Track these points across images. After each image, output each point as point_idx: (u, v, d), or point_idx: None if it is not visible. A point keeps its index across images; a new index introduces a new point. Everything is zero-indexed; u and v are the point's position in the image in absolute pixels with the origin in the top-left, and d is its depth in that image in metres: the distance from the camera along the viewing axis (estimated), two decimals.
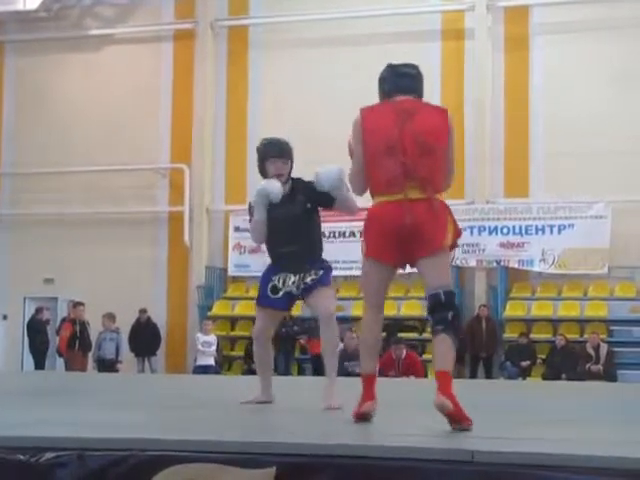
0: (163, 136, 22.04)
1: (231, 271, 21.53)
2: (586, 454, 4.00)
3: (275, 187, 6.70)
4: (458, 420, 5.00)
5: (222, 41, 22.05)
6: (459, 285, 19.90)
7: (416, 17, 20.68)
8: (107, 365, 18.78)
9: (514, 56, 20.14)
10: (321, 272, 6.76)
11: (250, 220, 7.02)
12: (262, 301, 6.92)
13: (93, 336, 19.19)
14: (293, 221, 6.74)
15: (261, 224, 6.88)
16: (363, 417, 5.36)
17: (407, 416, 6.42)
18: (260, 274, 23.18)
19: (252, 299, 22.29)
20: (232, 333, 21.04)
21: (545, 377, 17.69)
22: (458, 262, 19.75)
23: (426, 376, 17.65)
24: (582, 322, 19.21)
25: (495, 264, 19.57)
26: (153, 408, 6.94)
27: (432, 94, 19.98)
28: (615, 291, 19.42)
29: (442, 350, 5.19)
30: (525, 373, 18.12)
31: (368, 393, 5.41)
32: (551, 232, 19.42)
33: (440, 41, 20.59)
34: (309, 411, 6.75)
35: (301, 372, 19.28)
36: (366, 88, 22.69)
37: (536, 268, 19.52)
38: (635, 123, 18.99)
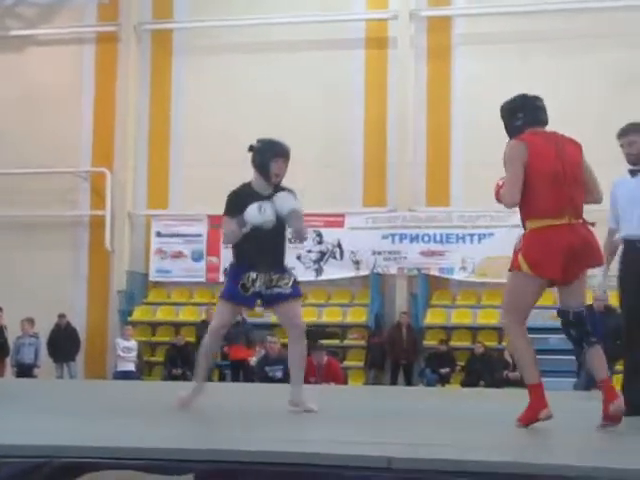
0: (85, 139, 21.81)
1: (152, 276, 21.39)
2: (499, 460, 4.07)
3: (274, 217, 6.90)
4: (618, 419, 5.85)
5: (146, 45, 21.90)
6: (380, 292, 20.03)
7: (340, 25, 20.74)
8: (25, 370, 18.56)
9: (436, 65, 20.32)
10: (292, 280, 7.10)
11: (233, 224, 7.02)
12: (231, 297, 7.09)
13: (11, 341, 18.98)
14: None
15: (240, 235, 7.01)
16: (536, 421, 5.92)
17: (326, 423, 6.45)
18: (180, 279, 22.89)
19: (173, 304, 22.34)
20: (153, 339, 20.89)
21: (464, 384, 17.86)
22: (379, 270, 19.91)
23: (346, 383, 17.74)
24: (501, 330, 19.40)
25: (416, 272, 19.72)
26: (71, 414, 6.87)
27: (355, 102, 20.30)
28: None
29: (601, 359, 5.97)
30: (444, 380, 18.27)
31: (543, 400, 5.97)
32: (471, 241, 19.62)
33: (363, 49, 20.68)
34: (229, 417, 6.75)
35: (222, 378, 19.22)
36: (290, 95, 22.80)
37: (456, 276, 19.70)
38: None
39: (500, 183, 6.18)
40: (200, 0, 21.69)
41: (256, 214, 6.87)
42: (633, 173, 7.57)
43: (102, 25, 22.13)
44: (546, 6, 19.79)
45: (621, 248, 7.69)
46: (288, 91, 20.51)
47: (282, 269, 7.13)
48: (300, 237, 7.24)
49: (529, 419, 5.89)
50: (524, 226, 6.02)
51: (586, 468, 3.91)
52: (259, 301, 7.22)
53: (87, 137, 21.79)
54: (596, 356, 5.94)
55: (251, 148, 7.20)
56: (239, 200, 7.03)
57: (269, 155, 7.10)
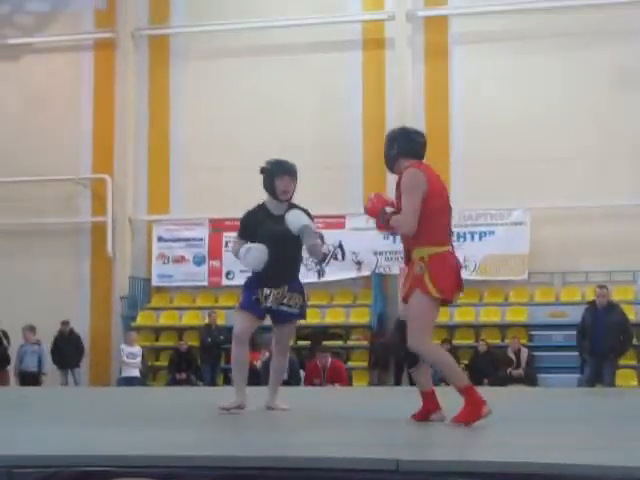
0: (85, 146, 21.84)
1: (155, 281, 21.42)
2: (507, 461, 4.10)
3: (257, 262, 7.24)
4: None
5: (143, 50, 21.94)
6: (382, 293, 20.07)
7: (337, 27, 20.77)
8: (30, 378, 18.60)
9: (434, 65, 20.36)
10: (303, 299, 7.45)
11: (239, 245, 7.44)
12: (247, 306, 7.39)
13: (14, 349, 19.07)
14: (283, 241, 7.26)
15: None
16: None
17: (333, 425, 6.49)
18: (183, 284, 22.90)
19: (176, 309, 22.36)
20: (156, 344, 20.93)
21: None
22: (382, 270, 19.97)
23: (350, 384, 17.79)
24: (503, 327, 19.47)
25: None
26: (78, 423, 6.91)
27: (354, 103, 20.33)
28: (535, 296, 19.72)
29: (428, 373, 6.48)
30: None
31: (481, 398, 6.11)
32: (472, 239, 19.66)
33: (361, 50, 20.72)
34: (237, 422, 6.79)
35: (227, 381, 19.25)
36: (288, 98, 22.78)
37: None
38: (551, 131, 19.31)
39: (374, 198, 6.51)
40: (196, 5, 21.74)
41: (242, 254, 7.29)
42: None
43: (99, 32, 22.17)
44: (542, 4, 19.82)
45: None
46: (286, 94, 20.54)
47: (295, 286, 7.42)
48: (315, 254, 7.51)
49: (473, 417, 6.01)
50: (410, 251, 6.25)
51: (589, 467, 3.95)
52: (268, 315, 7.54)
53: (87, 144, 21.83)
54: (426, 369, 6.42)
55: (262, 170, 7.45)
56: (250, 220, 7.44)
57: (274, 174, 7.37)
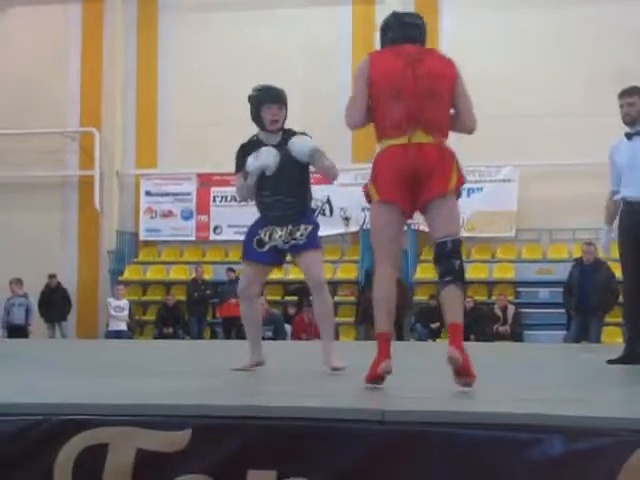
0: (72, 99, 21.74)
1: (142, 235, 21.43)
2: (494, 411, 4.11)
3: (272, 160, 6.59)
4: (464, 374, 4.99)
5: (131, 3, 21.78)
6: (370, 248, 20.07)
7: None
8: (17, 331, 18.64)
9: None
10: (310, 229, 6.71)
11: (241, 178, 6.80)
12: (247, 256, 6.84)
13: (1, 302, 19.10)
14: (282, 171, 6.60)
15: (251, 188, 6.76)
16: (380, 378, 5.12)
17: (318, 378, 6.51)
18: (170, 238, 22.93)
19: (164, 263, 22.35)
20: (144, 298, 20.97)
21: None
22: (369, 226, 19.95)
23: (337, 339, 17.83)
24: (490, 284, 19.53)
25: (405, 227, 19.72)
26: (65, 373, 6.92)
27: (343, 58, 20.21)
28: (522, 253, 19.78)
29: (452, 302, 5.16)
30: (435, 334, 18.39)
31: (384, 351, 5.14)
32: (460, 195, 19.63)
33: (350, 5, 20.61)
34: (222, 373, 6.81)
35: (213, 335, 19.33)
36: (277, 52, 22.58)
37: None
38: (540, 88, 19.28)
39: None
40: None
41: (251, 161, 6.63)
42: (629, 136, 7.69)
43: None
44: None
45: (620, 209, 7.73)
46: (276, 49, 20.43)
47: (300, 219, 6.73)
48: (331, 174, 6.81)
49: (371, 375, 5.15)
50: None
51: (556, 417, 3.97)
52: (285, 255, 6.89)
53: (75, 97, 21.73)
54: (448, 297, 5.19)
55: (248, 99, 6.85)
56: (245, 153, 6.77)
57: (260, 103, 6.76)
